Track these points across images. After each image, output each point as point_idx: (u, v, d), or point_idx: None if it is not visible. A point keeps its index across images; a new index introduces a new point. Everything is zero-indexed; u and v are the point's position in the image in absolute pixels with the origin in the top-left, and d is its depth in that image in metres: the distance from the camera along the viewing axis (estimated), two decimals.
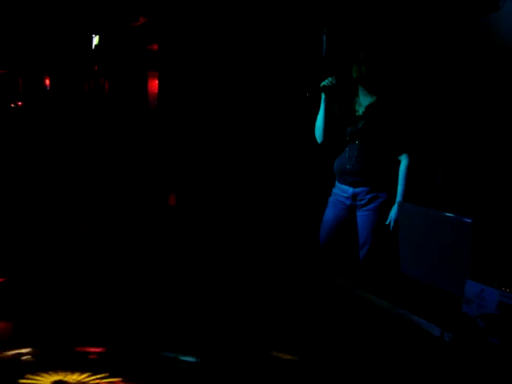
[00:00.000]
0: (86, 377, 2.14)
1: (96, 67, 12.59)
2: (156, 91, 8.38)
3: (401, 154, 3.11)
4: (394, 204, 3.05)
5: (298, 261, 3.61)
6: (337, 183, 3.26)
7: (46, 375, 2.15)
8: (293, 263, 3.61)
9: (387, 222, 3.05)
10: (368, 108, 3.16)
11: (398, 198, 3.03)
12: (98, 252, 4.13)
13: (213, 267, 3.72)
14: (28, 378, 2.13)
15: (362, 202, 3.13)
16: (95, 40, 12.37)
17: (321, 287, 3.12)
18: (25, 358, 2.34)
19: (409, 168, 3.06)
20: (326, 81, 3.15)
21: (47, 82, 16.81)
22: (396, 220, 2.99)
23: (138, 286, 3.40)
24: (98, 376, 2.15)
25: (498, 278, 2.03)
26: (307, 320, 2.78)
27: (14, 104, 15.55)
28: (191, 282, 3.47)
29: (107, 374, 2.17)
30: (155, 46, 8.32)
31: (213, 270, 3.68)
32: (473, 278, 2.04)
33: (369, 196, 3.12)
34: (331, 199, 3.30)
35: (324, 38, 4.48)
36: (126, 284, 3.42)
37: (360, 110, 3.19)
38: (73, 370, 2.18)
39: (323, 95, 3.21)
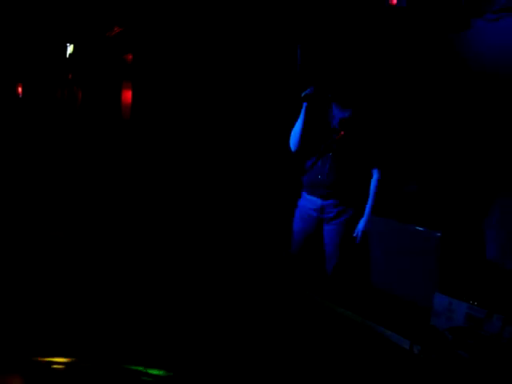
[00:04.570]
0: None
1: (70, 76, 12.48)
2: (130, 101, 8.34)
3: (373, 168, 3.13)
4: (362, 217, 3.07)
5: (266, 272, 3.60)
6: (305, 195, 3.27)
7: None
8: (261, 274, 3.60)
9: (354, 235, 3.07)
10: (342, 120, 3.18)
11: (367, 211, 3.06)
12: (71, 258, 4.07)
13: (177, 274, 3.69)
14: None
15: (330, 216, 3.14)
16: (70, 49, 12.27)
17: (289, 299, 3.12)
18: None
19: (380, 182, 3.10)
20: (308, 90, 3.15)
21: (19, 89, 16.58)
22: (364, 233, 3.01)
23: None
24: None
25: (466, 292, 2.05)
26: (272, 333, 2.77)
27: None
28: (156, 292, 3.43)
29: None
30: (130, 56, 8.29)
31: (175, 277, 3.65)
32: (441, 291, 2.06)
33: (336, 209, 3.13)
34: (298, 212, 3.30)
35: (298, 52, 4.52)
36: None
37: (333, 122, 3.21)
38: None
39: (305, 104, 3.20)
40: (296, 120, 3.24)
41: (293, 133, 3.27)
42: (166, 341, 2.71)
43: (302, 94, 3.16)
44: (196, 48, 5.95)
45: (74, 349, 2.53)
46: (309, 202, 3.22)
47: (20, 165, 9.14)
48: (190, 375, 2.30)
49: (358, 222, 3.10)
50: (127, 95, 8.48)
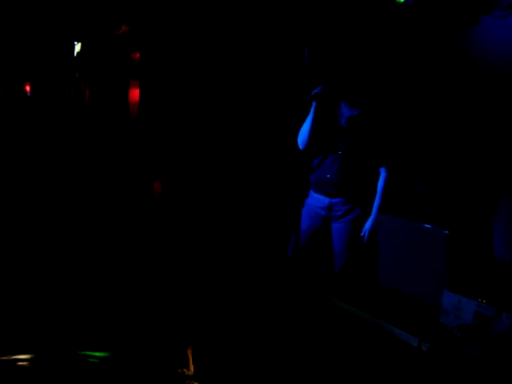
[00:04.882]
0: None
1: (77, 74, 12.52)
2: (137, 99, 8.35)
3: (381, 166, 3.14)
4: (369, 216, 3.08)
5: (273, 270, 3.61)
6: (312, 193, 3.27)
7: None
8: (268, 272, 3.61)
9: (362, 234, 3.07)
10: (350, 119, 3.19)
11: (374, 210, 3.07)
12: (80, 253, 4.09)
13: (189, 266, 3.70)
14: None
15: (338, 213, 3.15)
16: (77, 47, 12.30)
17: (297, 297, 3.13)
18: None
19: (387, 181, 3.10)
20: (318, 89, 3.17)
21: (28, 88, 16.65)
22: (372, 232, 3.01)
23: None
24: None
25: (475, 289, 2.05)
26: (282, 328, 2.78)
27: None
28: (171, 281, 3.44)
29: None
30: (137, 55, 8.30)
31: (188, 269, 3.66)
32: (450, 289, 2.06)
33: (345, 207, 3.14)
34: (305, 210, 3.30)
35: (306, 50, 4.51)
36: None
37: (342, 121, 3.22)
38: None
39: (314, 103, 3.21)
40: (305, 119, 3.24)
41: (301, 131, 3.27)
42: (173, 338, 2.72)
43: (312, 93, 3.17)
44: (203, 46, 5.96)
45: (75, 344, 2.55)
46: (316, 200, 3.23)
47: (27, 162, 9.18)
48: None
49: (365, 221, 3.10)
50: (134, 94, 8.50)
